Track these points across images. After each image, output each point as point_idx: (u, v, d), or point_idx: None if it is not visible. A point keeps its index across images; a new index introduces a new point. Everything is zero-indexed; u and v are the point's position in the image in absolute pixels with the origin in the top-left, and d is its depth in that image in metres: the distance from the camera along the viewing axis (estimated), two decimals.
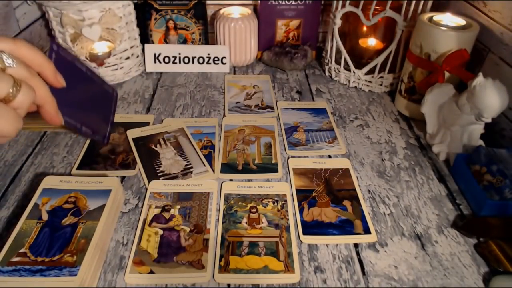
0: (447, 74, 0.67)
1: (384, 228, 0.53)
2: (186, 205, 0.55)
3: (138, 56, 0.90)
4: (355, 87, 0.88)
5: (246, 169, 0.63)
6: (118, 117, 0.74)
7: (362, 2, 0.78)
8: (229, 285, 0.46)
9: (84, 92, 0.48)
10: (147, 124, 0.73)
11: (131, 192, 0.58)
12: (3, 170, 0.61)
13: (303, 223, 0.53)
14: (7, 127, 0.30)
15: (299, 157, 0.66)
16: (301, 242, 0.51)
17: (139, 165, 0.63)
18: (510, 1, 0.65)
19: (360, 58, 0.87)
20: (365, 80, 0.85)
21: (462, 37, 0.65)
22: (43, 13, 0.88)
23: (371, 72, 0.84)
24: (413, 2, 0.74)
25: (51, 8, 0.76)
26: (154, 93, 0.84)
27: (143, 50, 0.91)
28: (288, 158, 0.66)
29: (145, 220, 0.53)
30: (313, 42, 0.97)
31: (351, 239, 0.51)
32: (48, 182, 0.53)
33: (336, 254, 0.50)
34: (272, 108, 0.79)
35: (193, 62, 0.92)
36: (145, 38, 0.93)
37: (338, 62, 0.88)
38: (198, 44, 0.96)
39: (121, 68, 0.86)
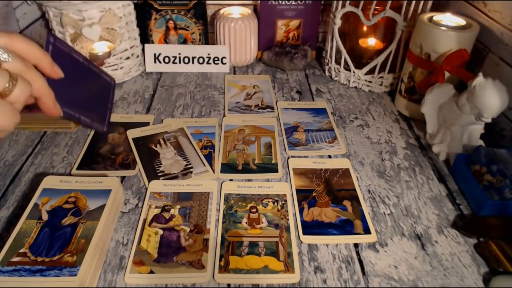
0: (447, 74, 0.67)
1: (384, 228, 0.53)
2: (186, 205, 0.55)
3: (138, 56, 0.90)
4: (355, 87, 0.88)
5: (246, 169, 0.63)
6: (118, 117, 0.74)
7: (362, 2, 0.78)
8: (229, 285, 0.46)
9: (82, 82, 0.48)
10: (147, 124, 0.73)
11: (131, 192, 0.58)
12: (3, 170, 0.61)
13: (303, 223, 0.53)
14: (4, 122, 0.30)
15: (299, 157, 0.66)
16: (301, 242, 0.51)
17: (139, 165, 0.63)
18: (510, 1, 0.65)
19: (360, 58, 0.87)
20: (365, 80, 0.85)
21: (462, 37, 0.65)
22: (43, 13, 0.88)
23: (371, 72, 0.84)
24: (413, 2, 0.74)
25: (51, 8, 0.76)
26: (154, 93, 0.84)
27: (143, 50, 0.91)
28: (288, 158, 0.66)
29: (145, 220, 0.53)
30: (313, 42, 0.97)
31: (351, 239, 0.51)
32: (48, 182, 0.53)
33: (336, 254, 0.50)
34: (272, 108, 0.79)
35: (193, 62, 0.92)
36: (145, 38, 0.93)
37: (338, 62, 0.88)
38: (198, 44, 0.96)
39: (121, 68, 0.86)
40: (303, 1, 0.92)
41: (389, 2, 0.75)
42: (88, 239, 0.46)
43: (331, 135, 0.71)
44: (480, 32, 0.68)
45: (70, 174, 0.61)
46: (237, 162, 0.64)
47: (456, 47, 0.66)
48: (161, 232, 0.51)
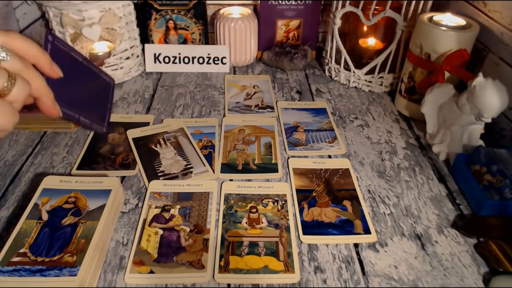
0: (447, 74, 0.67)
1: (384, 228, 0.53)
2: (186, 205, 0.55)
3: (138, 56, 0.90)
4: (355, 87, 0.88)
5: (246, 169, 0.63)
6: (118, 117, 0.74)
7: (362, 2, 0.78)
8: (229, 285, 0.46)
9: (81, 82, 0.47)
10: (147, 124, 0.73)
11: (131, 192, 0.58)
12: (3, 170, 0.61)
13: (303, 223, 0.53)
14: (3, 121, 0.30)
15: (299, 157, 0.66)
16: (301, 242, 0.51)
17: (139, 165, 0.63)
18: (510, 1, 0.65)
19: (360, 58, 0.87)
20: (365, 80, 0.85)
21: (462, 37, 0.65)
22: (43, 13, 0.88)
23: (371, 72, 0.84)
24: (413, 2, 0.74)
25: (51, 8, 0.76)
26: (154, 93, 0.84)
27: (143, 50, 0.91)
28: (288, 158, 0.66)
29: (145, 220, 0.53)
30: (313, 42, 0.97)
31: (351, 239, 0.51)
32: (48, 182, 0.53)
33: (336, 254, 0.50)
34: (272, 108, 0.79)
35: (193, 62, 0.92)
36: (145, 38, 0.93)
37: (338, 62, 0.88)
38: (198, 44, 0.96)
39: (121, 68, 0.86)
40: (303, 1, 0.92)
41: (389, 2, 0.75)
42: (88, 239, 0.46)
43: (331, 135, 0.71)
44: (480, 32, 0.68)
45: (70, 174, 0.61)
46: (237, 162, 0.64)
47: (456, 47, 0.66)
48: (161, 232, 0.51)
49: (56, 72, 0.37)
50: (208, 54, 0.91)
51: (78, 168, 0.62)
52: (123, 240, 0.51)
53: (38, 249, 0.44)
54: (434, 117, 0.68)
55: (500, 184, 0.54)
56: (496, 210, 0.53)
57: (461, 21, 0.69)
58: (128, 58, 0.87)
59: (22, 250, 0.44)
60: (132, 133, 0.69)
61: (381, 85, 0.85)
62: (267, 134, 0.71)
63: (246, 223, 0.53)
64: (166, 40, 0.95)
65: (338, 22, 0.83)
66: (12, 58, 0.31)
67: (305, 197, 0.57)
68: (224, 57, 0.91)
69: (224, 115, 0.76)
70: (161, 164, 0.63)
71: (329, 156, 0.66)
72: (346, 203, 0.57)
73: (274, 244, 0.50)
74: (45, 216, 0.48)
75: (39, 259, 0.43)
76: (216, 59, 0.92)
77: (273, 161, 0.65)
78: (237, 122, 0.74)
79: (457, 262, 0.49)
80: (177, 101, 0.81)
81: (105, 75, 0.54)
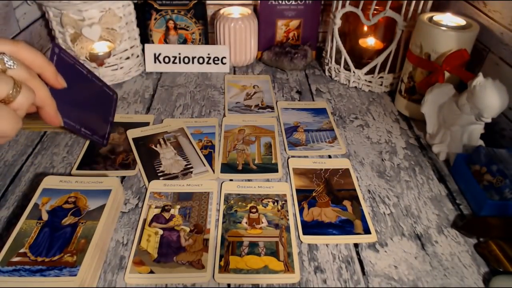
0: (447, 74, 0.67)
1: (384, 228, 0.53)
2: (186, 205, 0.55)
3: (138, 56, 0.90)
4: (355, 87, 0.88)
5: (246, 169, 0.63)
6: (118, 117, 0.74)
7: (362, 2, 0.78)
8: (229, 285, 0.46)
9: (84, 94, 0.48)
10: (147, 124, 0.73)
11: (131, 192, 0.58)
12: (3, 170, 0.61)
13: (303, 223, 0.53)
14: (7, 128, 0.31)
15: (299, 157, 0.66)
16: (301, 242, 0.51)
17: (139, 165, 0.63)
18: (510, 1, 0.65)
19: (360, 58, 0.87)
20: (365, 80, 0.85)
21: (462, 37, 0.65)
22: (43, 13, 0.88)
23: (371, 72, 0.84)
24: (413, 2, 0.74)
25: (51, 8, 0.76)
26: (154, 93, 0.84)
27: (143, 50, 0.91)
28: (288, 158, 0.66)
29: (145, 220, 0.53)
30: (313, 42, 0.97)
31: (351, 239, 0.51)
32: (48, 182, 0.53)
33: (336, 254, 0.50)
34: (272, 108, 0.79)
35: (193, 62, 0.92)
36: (145, 38, 0.93)
37: (338, 62, 0.88)
38: (198, 44, 0.96)
39: (121, 68, 0.86)
40: (303, 1, 0.92)
41: (389, 2, 0.75)
42: (88, 239, 0.46)
43: (331, 135, 0.71)
44: (480, 32, 0.68)
45: (70, 174, 0.61)
46: (237, 162, 0.64)
47: (456, 47, 0.66)
48: (161, 232, 0.51)
49: (60, 82, 0.38)
50: (208, 54, 0.91)
51: (78, 168, 0.62)
52: (123, 240, 0.51)
53: (38, 249, 0.44)
54: (434, 117, 0.68)
55: (500, 184, 0.54)
56: (496, 210, 0.53)
57: (461, 21, 0.69)
58: (128, 58, 0.87)
59: (22, 250, 0.44)
60: (132, 133, 0.69)
61: (381, 85, 0.85)
62: (267, 134, 0.71)
63: (246, 223, 0.53)
64: (166, 40, 0.95)
65: (338, 22, 0.83)
66: (18, 67, 0.32)
67: (305, 197, 0.57)
68: (224, 57, 0.91)
69: (224, 115, 0.76)
70: (161, 164, 0.63)
71: (329, 156, 0.67)
72: (346, 203, 0.57)
73: (274, 244, 0.50)
74: (45, 216, 0.48)
75: (39, 259, 0.43)
76: (216, 59, 0.92)
77: (273, 161, 0.65)
78: (237, 122, 0.74)
79: (457, 262, 0.49)
80: (177, 101, 0.81)
81: (109, 89, 0.54)
